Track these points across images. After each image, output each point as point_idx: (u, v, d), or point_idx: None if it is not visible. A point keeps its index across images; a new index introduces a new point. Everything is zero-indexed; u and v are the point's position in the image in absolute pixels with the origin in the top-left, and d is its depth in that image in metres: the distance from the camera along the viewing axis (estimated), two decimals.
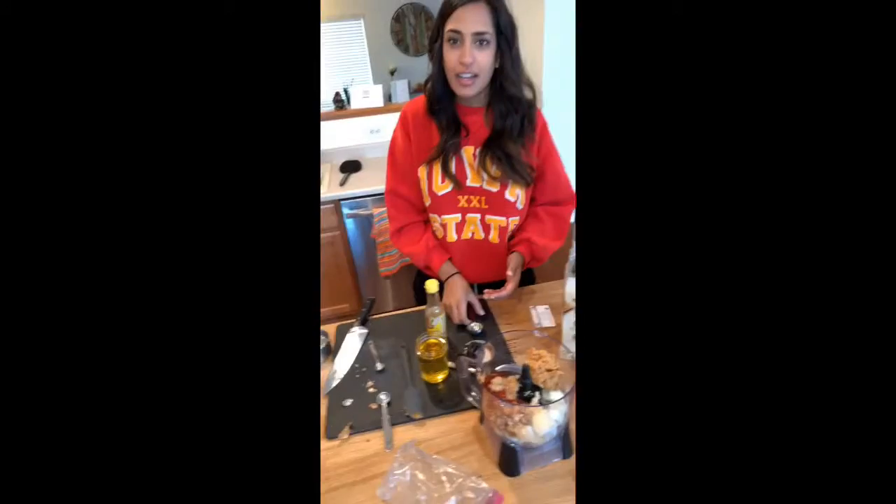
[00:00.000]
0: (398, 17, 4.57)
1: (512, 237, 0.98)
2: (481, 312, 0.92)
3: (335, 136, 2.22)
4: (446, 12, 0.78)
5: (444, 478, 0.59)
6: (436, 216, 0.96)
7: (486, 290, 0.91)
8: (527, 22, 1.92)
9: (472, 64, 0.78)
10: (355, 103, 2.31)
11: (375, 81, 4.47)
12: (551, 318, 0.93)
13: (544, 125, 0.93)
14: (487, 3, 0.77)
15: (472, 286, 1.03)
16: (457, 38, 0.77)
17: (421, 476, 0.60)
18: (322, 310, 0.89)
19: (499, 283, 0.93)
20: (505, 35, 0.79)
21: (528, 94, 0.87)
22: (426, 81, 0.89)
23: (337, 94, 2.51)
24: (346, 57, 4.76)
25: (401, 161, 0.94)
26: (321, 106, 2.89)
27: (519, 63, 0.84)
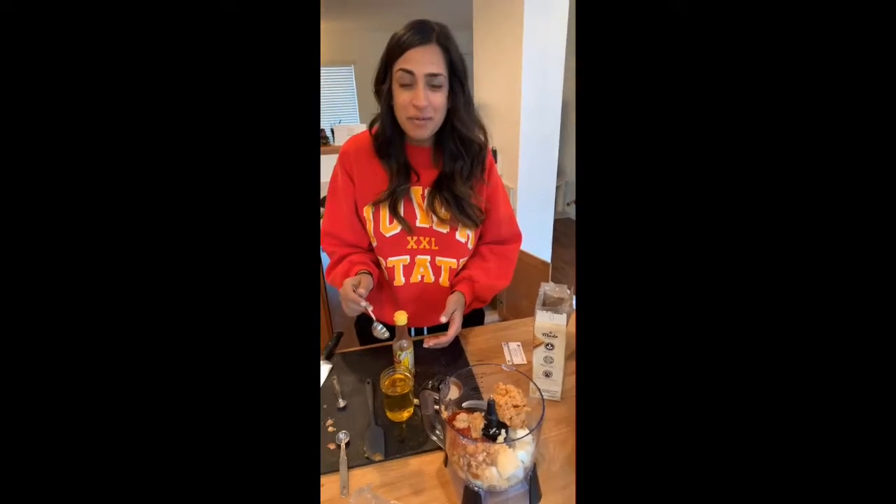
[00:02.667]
0: None
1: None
2: (385, 334, 0.82)
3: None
4: (395, 53, 0.75)
5: None
6: (382, 259, 0.91)
7: (426, 338, 0.88)
8: (508, 44, 2.04)
9: (427, 107, 0.76)
10: (339, 140, 2.36)
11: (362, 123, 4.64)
12: (523, 355, 0.91)
13: (492, 164, 0.92)
14: (439, 44, 0.75)
15: (419, 331, 1.01)
16: (409, 81, 0.75)
17: None
18: None
19: (446, 327, 0.89)
20: (458, 76, 0.78)
21: (479, 136, 0.86)
22: (372, 122, 0.86)
23: (322, 130, 2.57)
24: (336, 99, 4.95)
25: (342, 203, 0.89)
26: None
27: (471, 104, 0.83)
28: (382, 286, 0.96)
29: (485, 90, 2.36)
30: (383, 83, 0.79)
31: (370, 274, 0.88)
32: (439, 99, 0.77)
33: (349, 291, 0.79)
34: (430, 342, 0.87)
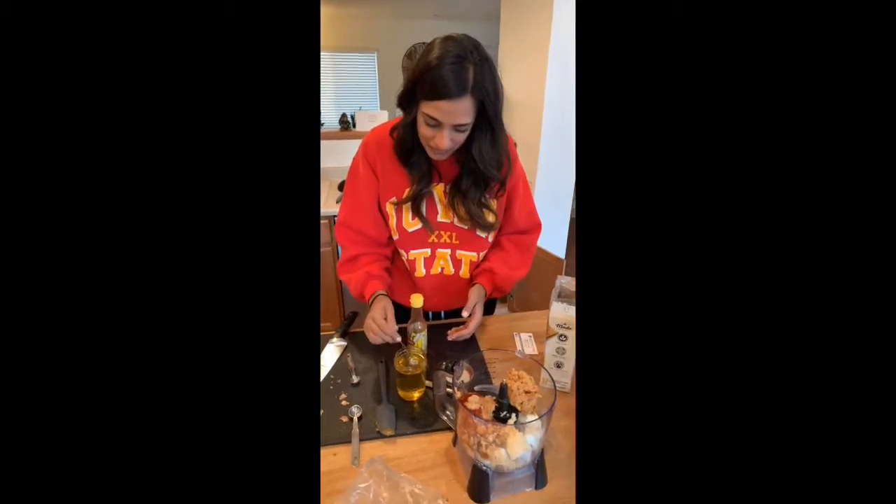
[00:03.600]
0: (410, 55, 4.79)
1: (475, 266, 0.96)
2: (398, 339, 0.81)
3: (337, 156, 2.26)
4: (425, 91, 0.68)
5: (409, 497, 0.56)
6: (403, 252, 0.92)
7: (448, 332, 0.89)
8: (534, 34, 2.02)
9: (449, 148, 0.74)
10: (361, 126, 2.37)
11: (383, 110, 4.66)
12: (534, 346, 0.92)
13: (515, 156, 0.89)
14: (473, 97, 0.68)
15: (436, 314, 1.03)
16: (434, 124, 0.71)
17: (385, 494, 0.57)
18: None
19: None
20: (487, 118, 0.73)
21: (496, 173, 0.81)
22: (393, 129, 0.81)
23: (343, 115, 2.58)
24: (358, 85, 4.95)
25: (363, 196, 0.87)
26: (327, 126, 2.96)
27: (498, 141, 0.78)
28: (398, 272, 0.97)
29: (509, 82, 2.34)
30: (408, 104, 0.74)
31: (386, 295, 0.87)
32: (464, 137, 0.74)
33: (383, 324, 0.80)
34: (453, 335, 0.89)
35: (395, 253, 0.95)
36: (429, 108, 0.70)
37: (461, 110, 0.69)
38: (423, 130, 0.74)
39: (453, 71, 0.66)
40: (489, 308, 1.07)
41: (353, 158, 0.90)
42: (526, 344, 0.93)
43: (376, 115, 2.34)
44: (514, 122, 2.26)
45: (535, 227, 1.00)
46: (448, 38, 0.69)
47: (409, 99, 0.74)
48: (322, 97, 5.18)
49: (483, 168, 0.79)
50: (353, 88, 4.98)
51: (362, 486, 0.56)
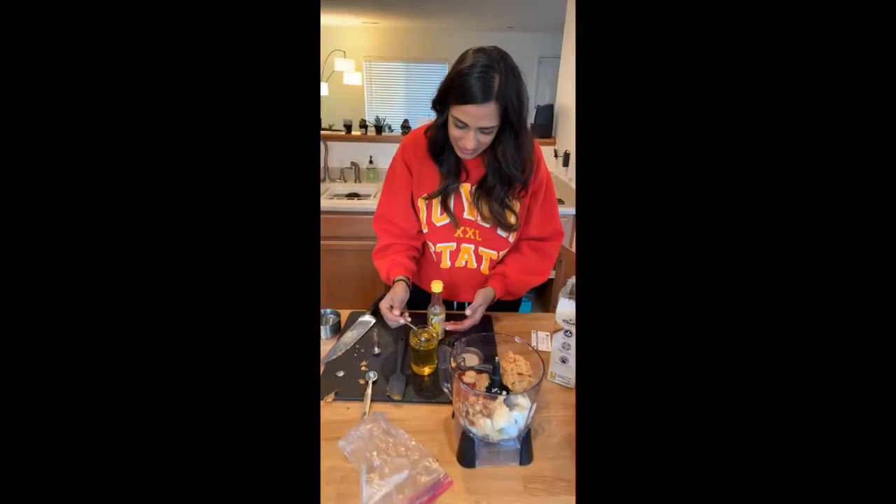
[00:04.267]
0: None
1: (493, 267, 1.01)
2: (402, 321, 0.90)
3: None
4: (454, 96, 0.77)
5: (402, 448, 0.64)
6: (431, 244, 1.01)
7: (445, 324, 0.95)
8: None
9: (475, 149, 0.83)
10: None
11: None
12: (549, 343, 0.95)
13: (539, 159, 0.95)
14: (498, 102, 0.76)
15: (460, 305, 1.09)
16: (462, 126, 0.79)
17: (382, 440, 0.65)
18: (346, 310, 0.98)
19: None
20: (510, 122, 0.80)
21: (518, 173, 0.87)
22: (428, 130, 0.92)
23: (405, 121, 2.75)
24: (428, 94, 5.20)
25: (399, 191, 0.98)
26: (393, 130, 3.16)
27: (522, 145, 0.85)
28: (426, 263, 1.06)
29: (566, 93, 2.35)
30: (441, 107, 0.84)
31: (406, 280, 0.96)
32: (489, 139, 0.82)
33: (388, 313, 0.90)
34: (449, 326, 0.95)
35: (424, 245, 1.04)
36: (457, 112, 0.79)
37: (486, 114, 0.77)
38: (453, 131, 0.83)
39: (480, 79, 0.75)
40: (514, 306, 1.12)
41: (393, 157, 1.01)
42: (542, 341, 0.97)
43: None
44: (568, 132, 2.27)
45: (556, 235, 1.04)
46: (479, 50, 0.78)
47: (441, 102, 0.83)
48: (394, 103, 5.52)
49: (506, 168, 0.86)
50: (424, 96, 5.24)
51: (364, 427, 0.65)
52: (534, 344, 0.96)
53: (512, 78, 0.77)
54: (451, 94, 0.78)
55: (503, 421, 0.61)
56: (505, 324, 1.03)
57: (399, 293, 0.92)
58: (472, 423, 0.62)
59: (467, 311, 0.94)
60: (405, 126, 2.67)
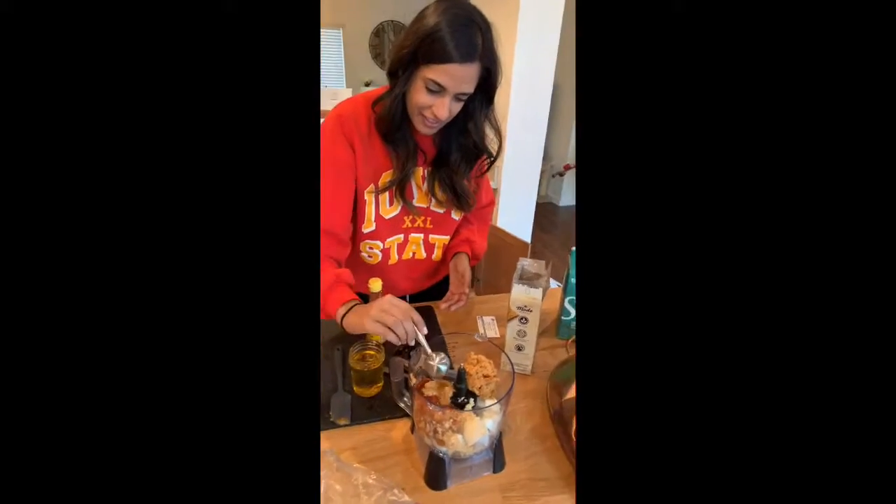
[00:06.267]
0: (378, 32, 4.61)
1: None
2: (425, 331, 0.67)
3: None
4: (429, 55, 0.63)
5: (362, 489, 0.54)
6: (378, 242, 0.85)
7: (441, 304, 0.86)
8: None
9: (446, 119, 0.70)
10: (324, 105, 2.26)
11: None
12: (497, 329, 0.91)
13: None
14: (482, 64, 0.65)
15: (401, 298, 0.99)
16: (436, 90, 0.66)
17: (338, 487, 0.54)
18: None
19: (436, 287, 0.92)
20: (488, 91, 0.71)
21: (488, 146, 0.80)
22: (376, 101, 0.74)
23: None
24: (323, 63, 4.75)
25: (342, 180, 0.76)
26: None
27: (491, 113, 0.77)
28: (356, 261, 0.91)
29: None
30: (405, 70, 0.67)
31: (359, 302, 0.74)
32: (458, 108, 0.71)
33: (411, 332, 0.64)
34: (444, 305, 0.85)
35: (347, 249, 0.85)
36: (434, 73, 0.64)
37: (467, 76, 0.65)
38: (421, 98, 0.67)
39: (465, 34, 0.62)
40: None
41: (324, 134, 0.76)
42: (489, 327, 0.92)
43: (339, 93, 2.24)
44: None
45: (491, 202, 1.02)
46: (447, 2, 0.64)
47: (406, 65, 0.67)
48: None
49: (478, 141, 0.77)
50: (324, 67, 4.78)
51: None
52: (482, 331, 0.91)
53: (491, 36, 0.66)
54: (422, 53, 0.64)
55: (476, 434, 0.54)
56: (447, 311, 0.96)
57: (402, 303, 0.69)
58: (441, 442, 0.55)
59: (465, 289, 0.85)
60: None
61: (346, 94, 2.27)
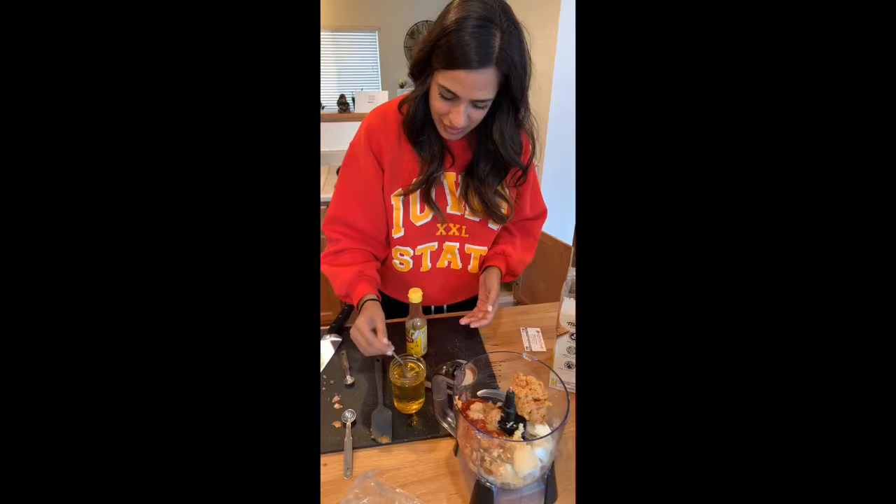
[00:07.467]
0: (413, 34, 4.62)
1: None
2: (389, 351, 0.69)
3: (335, 139, 2.18)
4: (441, 59, 0.59)
5: None
6: (408, 248, 0.83)
7: (462, 319, 0.80)
8: (539, 31, 1.92)
9: (465, 127, 0.66)
10: (360, 108, 2.28)
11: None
12: (542, 342, 0.86)
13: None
14: (498, 68, 0.59)
15: (438, 308, 0.96)
16: (450, 97, 0.62)
17: None
18: None
19: (472, 301, 0.83)
20: (511, 95, 0.64)
21: (518, 158, 0.73)
22: (402, 102, 0.72)
23: (342, 96, 2.48)
24: (358, 66, 4.80)
25: (363, 188, 0.77)
26: (326, 108, 2.86)
27: (523, 122, 0.70)
28: (388, 269, 0.88)
29: None
30: (422, 73, 0.64)
31: (376, 299, 0.76)
32: (482, 115, 0.65)
33: (372, 338, 0.68)
34: (465, 320, 0.79)
35: (386, 251, 0.86)
36: (445, 79, 0.60)
37: (482, 83, 0.59)
38: (438, 104, 0.64)
39: (476, 36, 0.56)
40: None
41: (351, 145, 0.79)
42: (533, 340, 0.87)
43: (376, 96, 2.24)
44: None
45: (542, 214, 0.94)
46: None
47: (422, 67, 0.63)
48: (321, 78, 5.05)
49: (504, 152, 0.70)
50: (354, 68, 4.83)
51: (351, 499, 0.51)
52: (526, 345, 0.86)
53: (516, 36, 0.59)
54: (436, 56, 0.59)
55: (528, 466, 0.50)
56: (490, 323, 0.92)
57: (380, 314, 0.72)
58: (489, 472, 0.51)
59: (488, 307, 0.77)
60: (342, 102, 2.41)
61: (383, 96, 2.27)
